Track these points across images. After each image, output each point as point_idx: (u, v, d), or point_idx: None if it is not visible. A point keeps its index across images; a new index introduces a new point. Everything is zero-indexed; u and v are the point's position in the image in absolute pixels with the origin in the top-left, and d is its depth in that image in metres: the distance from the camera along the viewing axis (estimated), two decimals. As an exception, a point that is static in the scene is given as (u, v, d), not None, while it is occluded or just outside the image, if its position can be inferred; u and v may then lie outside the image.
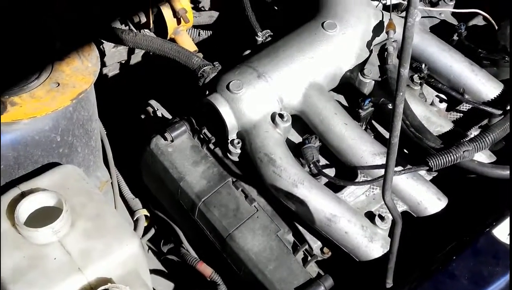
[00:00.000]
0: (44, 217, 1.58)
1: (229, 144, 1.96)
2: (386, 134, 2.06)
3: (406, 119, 1.90)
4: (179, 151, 2.01)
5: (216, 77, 2.03)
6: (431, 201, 1.86)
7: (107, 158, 2.08)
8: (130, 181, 2.21)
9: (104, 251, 1.58)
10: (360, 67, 2.06)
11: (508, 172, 1.86)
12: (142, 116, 2.22)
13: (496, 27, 2.18)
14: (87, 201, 1.67)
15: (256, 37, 2.22)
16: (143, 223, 2.15)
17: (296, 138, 2.03)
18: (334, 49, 2.06)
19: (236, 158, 1.98)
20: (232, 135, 1.96)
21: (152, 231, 2.21)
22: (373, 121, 2.07)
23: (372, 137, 2.00)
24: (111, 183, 2.10)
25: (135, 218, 2.15)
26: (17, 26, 1.89)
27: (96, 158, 2.02)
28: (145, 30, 2.44)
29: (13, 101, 1.73)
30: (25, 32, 1.90)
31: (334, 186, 1.88)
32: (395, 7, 2.31)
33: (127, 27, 2.35)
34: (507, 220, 1.73)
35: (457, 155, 1.79)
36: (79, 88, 1.80)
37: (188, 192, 1.95)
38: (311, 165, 1.87)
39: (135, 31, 2.29)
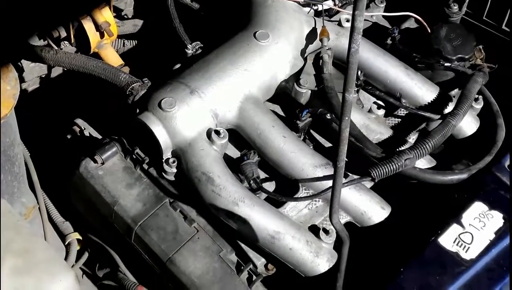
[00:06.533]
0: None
1: (164, 164, 1.87)
2: (326, 144, 2.03)
3: (345, 128, 1.86)
4: (111, 174, 1.91)
5: (147, 95, 1.94)
6: (374, 211, 1.83)
7: (32, 182, 1.96)
8: (59, 203, 2.09)
9: (36, 289, 1.46)
10: (296, 77, 2.01)
11: (449, 177, 1.86)
12: (69, 136, 2.09)
13: (429, 30, 2.16)
14: (14, 235, 1.54)
15: (186, 50, 2.12)
16: (75, 248, 2.06)
17: (234, 152, 1.96)
18: (268, 60, 2.01)
19: (172, 178, 1.89)
20: (167, 154, 1.87)
21: (86, 255, 2.11)
22: (311, 131, 2.02)
23: (312, 148, 1.96)
24: (39, 208, 2.00)
25: (66, 243, 2.05)
26: None
27: (21, 184, 1.91)
28: (65, 43, 2.31)
29: None
30: None
31: (276, 201, 1.83)
32: (326, 12, 2.26)
33: (46, 42, 2.21)
34: (452, 228, 1.73)
35: (399, 164, 1.78)
36: (-2, 113, 1.68)
37: (123, 216, 1.85)
38: (251, 182, 1.81)
39: (56, 48, 2.15)
